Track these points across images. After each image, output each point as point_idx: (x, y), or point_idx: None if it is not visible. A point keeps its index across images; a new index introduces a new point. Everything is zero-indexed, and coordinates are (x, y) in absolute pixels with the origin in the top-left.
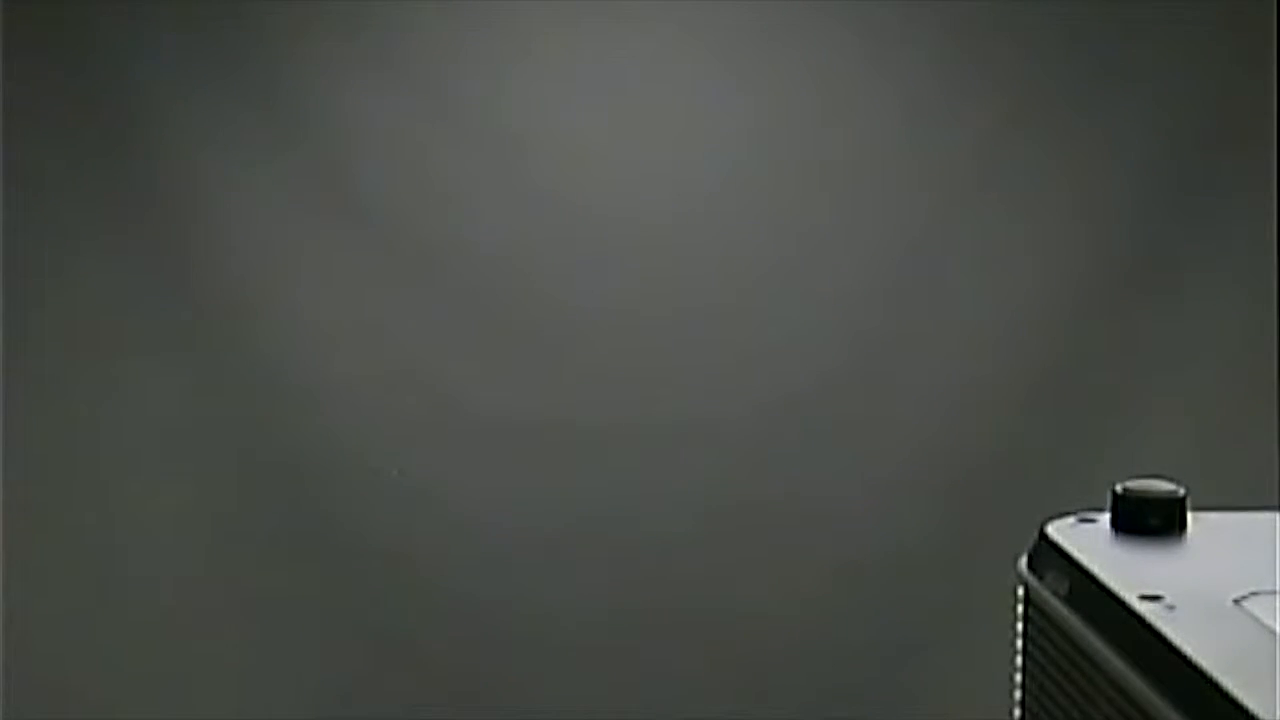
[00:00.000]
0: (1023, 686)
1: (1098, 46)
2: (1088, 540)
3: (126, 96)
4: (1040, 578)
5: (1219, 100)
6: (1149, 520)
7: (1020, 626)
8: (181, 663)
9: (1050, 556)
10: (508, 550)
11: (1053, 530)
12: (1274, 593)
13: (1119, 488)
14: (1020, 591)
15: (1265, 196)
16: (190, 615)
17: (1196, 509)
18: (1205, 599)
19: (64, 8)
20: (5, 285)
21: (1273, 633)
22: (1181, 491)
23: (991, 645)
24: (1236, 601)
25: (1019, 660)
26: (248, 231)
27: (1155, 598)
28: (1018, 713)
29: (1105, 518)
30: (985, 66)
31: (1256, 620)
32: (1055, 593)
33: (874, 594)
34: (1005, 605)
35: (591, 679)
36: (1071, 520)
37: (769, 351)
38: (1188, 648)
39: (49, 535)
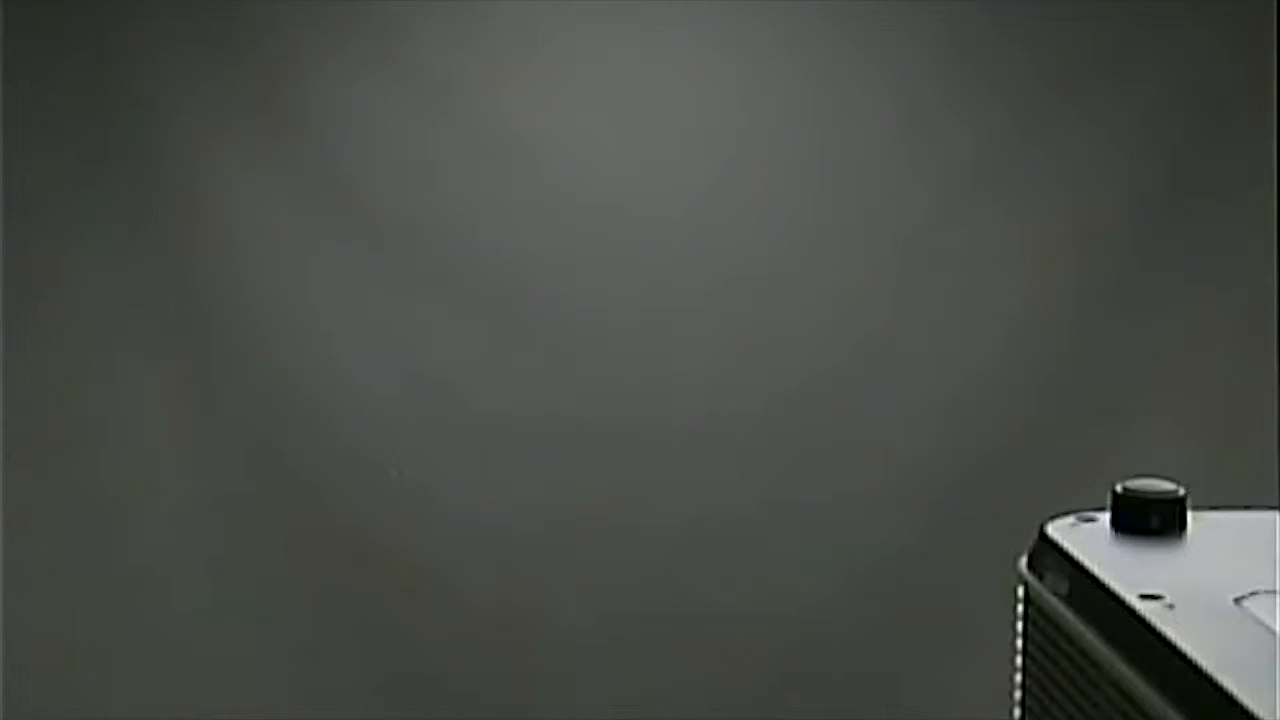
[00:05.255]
0: (1023, 686)
1: (1097, 47)
2: (1087, 540)
3: (127, 96)
4: (1040, 578)
5: (1219, 100)
6: (1149, 520)
7: (1020, 626)
8: (181, 662)
9: (1050, 556)
10: (508, 550)
11: (1052, 530)
12: (1274, 593)
13: (1119, 488)
14: (1020, 591)
15: (1265, 196)
16: (190, 615)
17: (1196, 509)
18: (1205, 599)
19: (64, 8)
20: (5, 285)
21: (1273, 633)
22: (1181, 491)
23: (991, 645)
24: (1237, 601)
25: (1019, 660)
26: (249, 231)
27: (1155, 597)
28: (1018, 713)
29: (1105, 518)
30: (985, 66)
31: (1256, 620)
32: (1055, 593)
33: (874, 593)
34: (1005, 605)
35: (592, 679)
36: (1071, 520)
37: (770, 351)
38: (1188, 647)
39: (49, 535)
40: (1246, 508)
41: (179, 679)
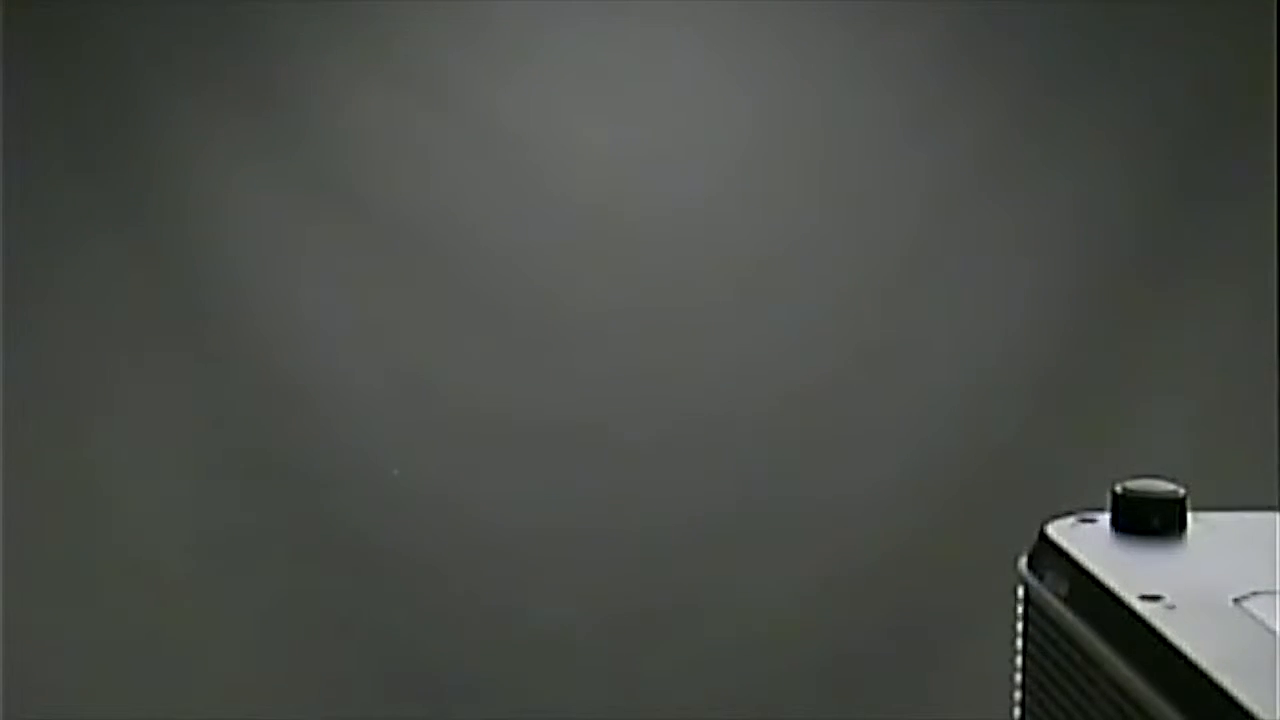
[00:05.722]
0: (1023, 686)
1: (1098, 46)
2: (1088, 540)
3: (126, 97)
4: (1040, 578)
5: (1219, 100)
6: (1149, 520)
7: (1020, 626)
8: (180, 662)
9: (1050, 557)
10: (508, 550)
11: (1053, 530)
12: (1274, 593)
13: (1119, 488)
14: (1020, 591)
15: (1265, 196)
16: (191, 615)
17: (1196, 509)
18: (1205, 599)
19: (64, 8)
20: (5, 285)
21: (1273, 633)
22: (1181, 491)
23: (991, 645)
24: (1236, 601)
25: (1019, 660)
26: (248, 232)
27: (1155, 598)
28: (1018, 713)
29: (1105, 518)
30: (985, 66)
31: (1256, 620)
32: (1055, 593)
33: (874, 594)
34: (1005, 605)
35: (592, 679)
36: (1071, 520)
37: (770, 351)
38: (1188, 648)
39: (49, 535)
40: (1246, 508)
41: (178, 679)
